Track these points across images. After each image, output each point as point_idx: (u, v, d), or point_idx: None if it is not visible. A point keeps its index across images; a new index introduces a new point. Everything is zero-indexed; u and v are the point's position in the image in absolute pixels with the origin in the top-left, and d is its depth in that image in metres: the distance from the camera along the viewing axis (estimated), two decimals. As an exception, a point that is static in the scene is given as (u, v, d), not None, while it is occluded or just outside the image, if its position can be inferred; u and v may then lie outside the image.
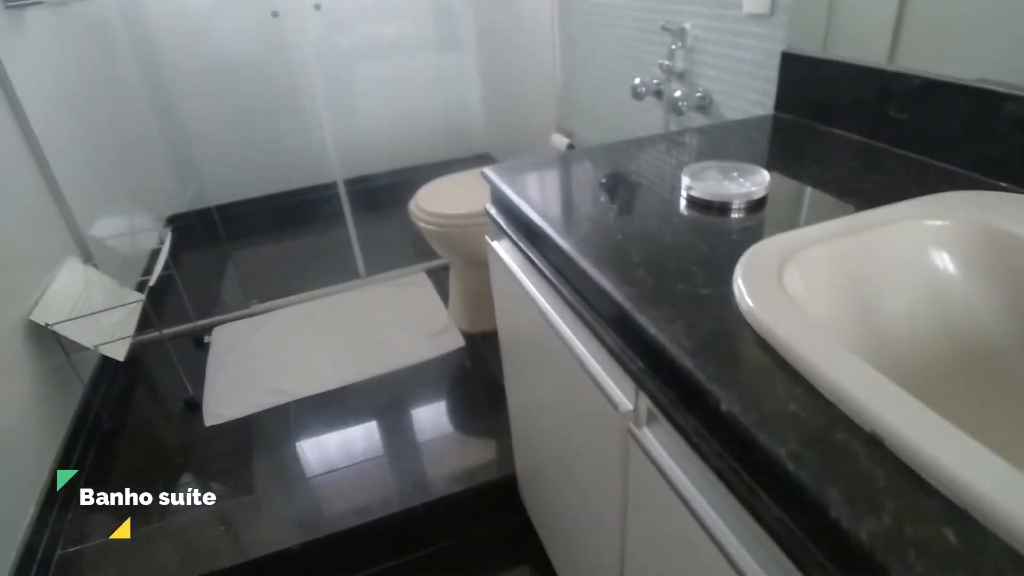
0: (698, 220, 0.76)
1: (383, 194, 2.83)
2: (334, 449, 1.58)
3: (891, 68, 0.89)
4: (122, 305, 1.64)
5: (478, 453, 1.52)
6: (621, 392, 0.67)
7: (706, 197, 0.78)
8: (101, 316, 1.61)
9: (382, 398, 1.74)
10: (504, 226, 0.95)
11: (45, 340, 1.52)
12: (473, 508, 1.43)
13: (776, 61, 1.11)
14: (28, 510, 1.33)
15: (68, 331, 1.52)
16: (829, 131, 1.00)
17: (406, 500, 1.39)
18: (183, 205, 2.78)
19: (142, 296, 1.64)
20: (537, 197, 0.88)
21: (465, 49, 2.96)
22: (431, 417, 1.66)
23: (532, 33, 2.21)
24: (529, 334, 0.98)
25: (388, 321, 2.04)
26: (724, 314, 0.56)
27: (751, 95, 1.22)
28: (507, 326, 1.14)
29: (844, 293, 0.61)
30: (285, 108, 2.70)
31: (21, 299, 1.50)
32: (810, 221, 0.69)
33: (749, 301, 0.55)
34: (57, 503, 1.41)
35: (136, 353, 1.95)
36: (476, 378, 1.80)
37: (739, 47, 1.22)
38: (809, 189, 0.82)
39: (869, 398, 0.43)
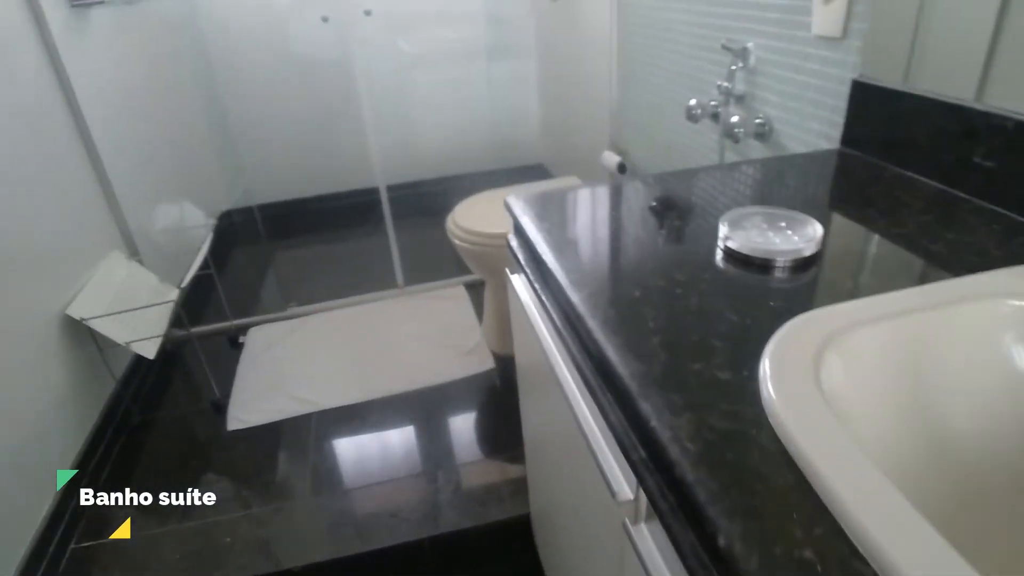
0: (733, 279, 0.66)
1: (429, 202, 2.80)
2: (347, 468, 1.54)
3: (979, 106, 0.76)
4: (152, 305, 1.65)
5: (494, 487, 1.44)
6: (623, 477, 0.58)
7: (745, 251, 0.67)
8: (136, 312, 1.62)
9: (403, 417, 1.69)
10: (522, 261, 0.88)
11: (80, 333, 1.54)
12: (483, 545, 1.35)
13: (846, 90, 0.99)
14: (47, 501, 1.34)
15: (102, 327, 1.54)
16: (902, 174, 0.88)
17: (413, 531, 1.33)
18: (229, 204, 2.83)
19: (173, 297, 1.64)
20: (555, 235, 0.79)
21: (522, 57, 2.89)
22: (450, 443, 1.60)
23: (591, 45, 2.12)
24: (538, 380, 0.90)
25: (420, 335, 2.00)
26: (743, 409, 0.46)
27: (815, 125, 1.09)
28: (522, 362, 1.07)
29: (898, 391, 0.50)
30: (332, 111, 2.71)
31: (61, 292, 1.53)
32: (865, 290, 0.58)
33: (774, 398, 0.45)
34: (74, 498, 1.42)
35: (173, 349, 1.97)
36: (502, 404, 1.72)
37: (805, 72, 1.10)
38: (870, 247, 0.70)
39: (912, 563, 0.33)
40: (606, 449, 0.61)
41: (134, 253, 1.88)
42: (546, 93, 2.90)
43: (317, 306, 2.19)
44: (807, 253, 0.66)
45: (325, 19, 2.25)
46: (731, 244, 0.69)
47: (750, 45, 1.25)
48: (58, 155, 1.62)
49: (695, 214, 0.83)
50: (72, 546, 1.35)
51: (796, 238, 0.68)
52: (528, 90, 2.96)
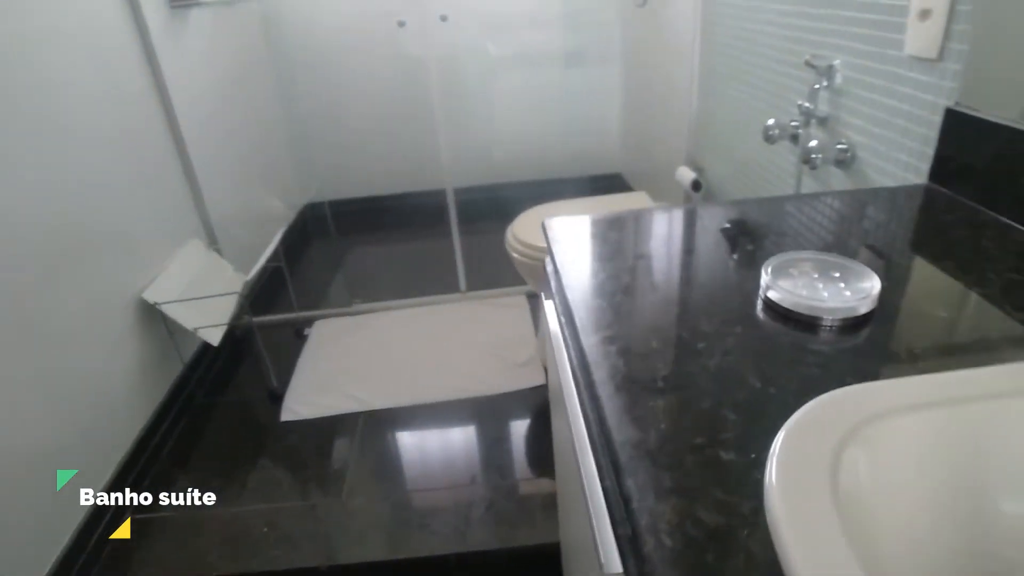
0: (767, 336, 0.58)
1: (499, 207, 2.79)
2: (386, 472, 1.55)
3: (1099, 151, 0.64)
4: (218, 295, 1.73)
5: (527, 509, 1.40)
6: (614, 546, 0.53)
7: (786, 304, 0.60)
8: (206, 300, 1.71)
9: (448, 426, 1.68)
10: (553, 288, 0.83)
11: (154, 317, 1.64)
12: (510, 569, 1.32)
13: (938, 119, 0.87)
14: (108, 471, 1.44)
15: (173, 312, 1.63)
16: (995, 220, 0.76)
17: (441, 544, 1.31)
18: (303, 199, 2.94)
19: (238, 289, 1.72)
20: (584, 267, 0.75)
21: (605, 63, 2.82)
22: (490, 457, 1.57)
23: (674, 53, 2.03)
24: (558, 412, 0.85)
25: (476, 343, 1.99)
26: (739, 502, 0.41)
27: (903, 156, 0.98)
28: (551, 386, 1.02)
29: (942, 498, 0.42)
30: (405, 113, 2.75)
31: (140, 276, 1.63)
32: (924, 364, 0.50)
33: (776, 494, 0.39)
34: (138, 467, 1.52)
35: (242, 336, 2.07)
36: (547, 423, 1.68)
37: (896, 95, 0.98)
38: (939, 309, 0.61)
39: None
40: (603, 512, 0.56)
41: (213, 243, 1.99)
42: (629, 101, 2.81)
43: (380, 304, 2.23)
44: (859, 312, 0.58)
45: (401, 24, 2.29)
46: (772, 295, 0.62)
47: (837, 63, 1.14)
48: (149, 148, 1.74)
49: (743, 254, 0.75)
50: (127, 518, 1.44)
51: (848, 293, 0.60)
52: (610, 97, 2.88)
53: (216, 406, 1.81)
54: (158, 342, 1.68)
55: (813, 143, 1.15)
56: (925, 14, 0.88)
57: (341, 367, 1.93)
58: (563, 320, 0.73)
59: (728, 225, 0.83)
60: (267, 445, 1.66)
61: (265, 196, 2.49)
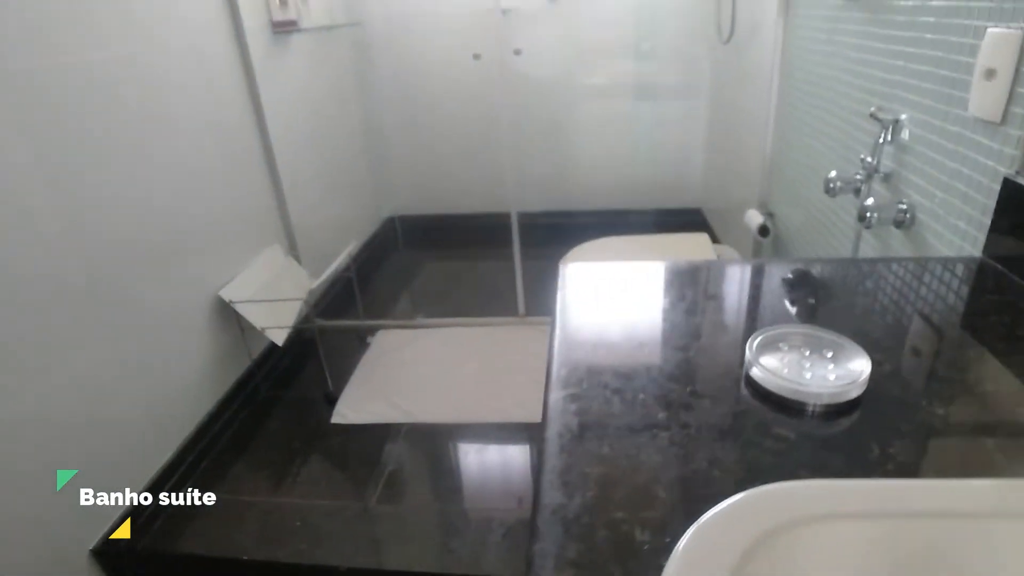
0: (737, 413, 0.56)
1: (569, 233, 2.80)
2: (416, 485, 1.59)
3: None
4: (285, 300, 1.86)
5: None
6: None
7: (765, 384, 0.58)
8: (276, 302, 1.84)
9: (485, 449, 1.71)
10: (548, 335, 0.84)
11: (228, 314, 1.79)
12: (520, 601, 1.31)
13: (998, 187, 0.80)
14: (167, 453, 1.58)
15: (244, 311, 1.77)
16: (1043, 309, 0.69)
17: (456, 564, 1.33)
18: (376, 213, 3.08)
19: (302, 296, 1.83)
20: (579, 318, 0.75)
21: (686, 97, 2.77)
22: (518, 487, 1.58)
23: (753, 93, 1.96)
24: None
25: (525, 368, 2.00)
26: (633, 589, 0.40)
27: (961, 224, 0.90)
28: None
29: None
30: (476, 137, 2.86)
31: (221, 275, 1.79)
32: (892, 466, 0.47)
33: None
34: (195, 452, 1.65)
35: (311, 338, 2.20)
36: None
37: (958, 158, 0.91)
38: (939, 404, 0.56)
39: None
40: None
41: (292, 249, 2.14)
42: (711, 137, 2.75)
43: (441, 320, 2.30)
44: (840, 399, 0.55)
45: (477, 56, 2.38)
46: (753, 372, 0.59)
47: (903, 117, 1.07)
48: (243, 158, 1.91)
49: (747, 321, 0.73)
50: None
51: (833, 377, 0.57)
52: (692, 131, 2.82)
53: (276, 402, 1.94)
54: (230, 337, 1.83)
55: (870, 201, 1.08)
56: (990, 73, 0.82)
57: (393, 377, 2.01)
58: (546, 370, 0.74)
59: (747, 285, 0.81)
60: (315, 444, 1.76)
61: (343, 209, 2.65)
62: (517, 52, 2.32)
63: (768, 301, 0.78)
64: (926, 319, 0.71)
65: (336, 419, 1.83)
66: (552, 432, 0.55)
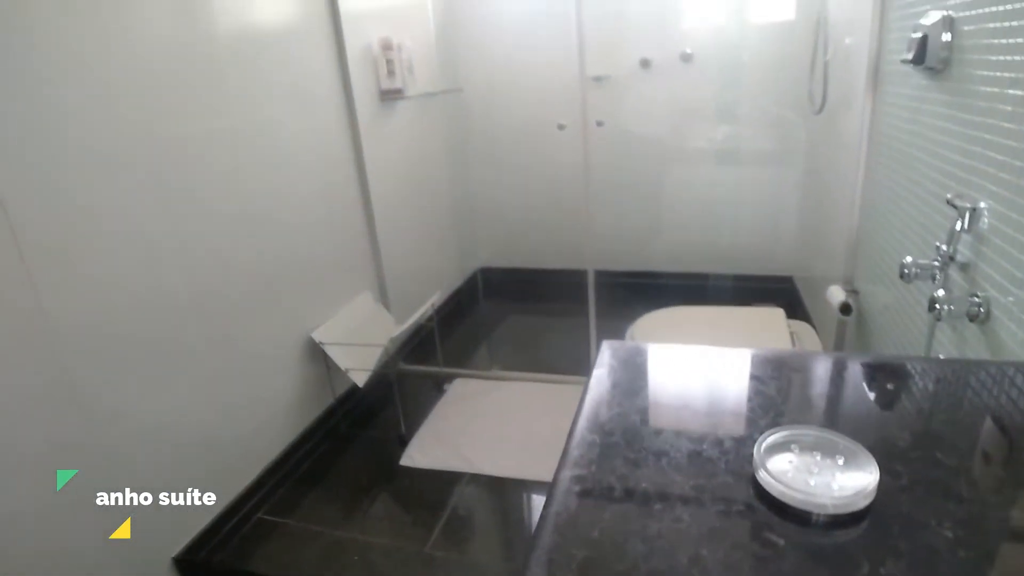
0: (733, 512, 0.58)
1: (653, 295, 2.80)
2: (468, 536, 1.63)
3: None
4: (370, 345, 1.99)
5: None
6: None
7: (768, 488, 0.58)
8: (361, 347, 1.99)
9: (535, 508, 1.72)
10: (576, 412, 0.88)
11: (317, 354, 1.95)
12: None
13: (1068, 295, 0.76)
14: (250, 477, 1.73)
15: (332, 352, 1.92)
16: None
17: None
18: (461, 266, 3.20)
19: (384, 343, 1.96)
20: (603, 397, 0.78)
21: (779, 164, 2.71)
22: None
23: (842, 165, 1.91)
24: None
25: (591, 426, 2.01)
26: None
27: (1035, 326, 0.85)
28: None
29: None
30: (560, 197, 2.95)
31: (316, 317, 1.96)
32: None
33: None
34: (275, 478, 1.80)
35: (393, 381, 2.33)
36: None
37: (1033, 256, 0.87)
38: (951, 527, 0.54)
39: None
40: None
41: (382, 295, 2.30)
42: (804, 205, 2.66)
43: (516, 374, 2.35)
44: (842, 510, 0.55)
45: (561, 127, 2.50)
46: (759, 474, 0.60)
47: (982, 205, 1.02)
48: (344, 212, 2.11)
49: (771, 416, 0.73)
50: (258, 516, 1.71)
51: (837, 486, 0.57)
52: (785, 199, 2.75)
53: (354, 439, 2.07)
54: (317, 375, 1.99)
55: (940, 292, 1.03)
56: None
57: (464, 426, 2.08)
58: (564, 447, 0.77)
59: (783, 379, 0.80)
60: (382, 483, 1.85)
61: (431, 260, 2.81)
62: (600, 124, 2.41)
63: (800, 396, 0.77)
64: (965, 431, 0.68)
65: (405, 461, 1.92)
66: (552, 508, 0.59)
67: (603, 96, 2.69)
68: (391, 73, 2.24)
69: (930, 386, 0.76)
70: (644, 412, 0.76)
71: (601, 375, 0.84)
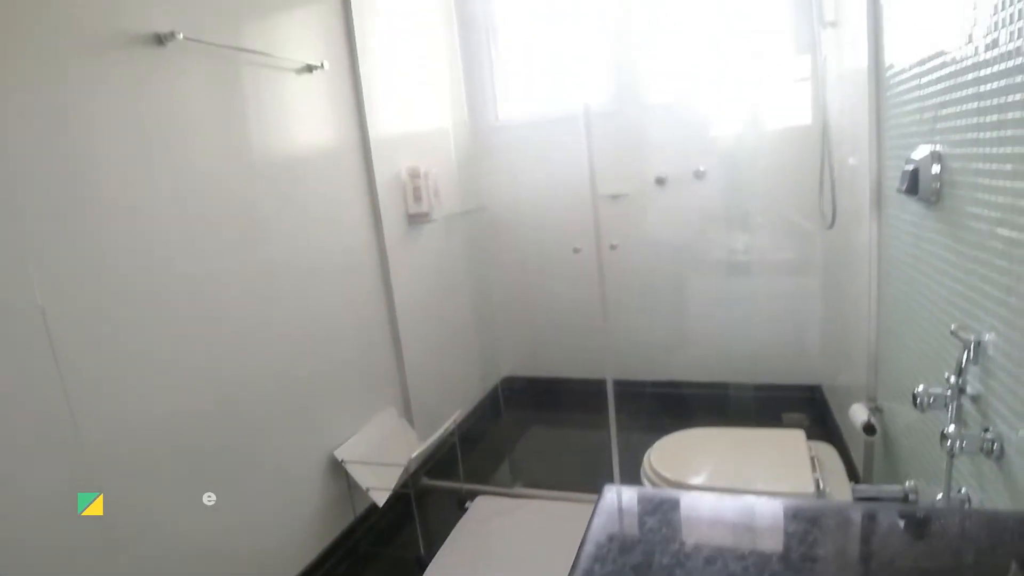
0: None
1: (678, 405, 2.77)
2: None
3: None
4: (390, 465, 2.00)
5: None
6: None
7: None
8: (382, 465, 2.00)
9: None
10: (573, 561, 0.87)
11: (338, 471, 1.97)
12: None
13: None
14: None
15: (353, 470, 1.94)
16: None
17: None
18: (488, 380, 3.23)
19: (404, 462, 1.97)
20: (598, 551, 0.78)
21: (800, 275, 2.73)
22: None
23: (858, 282, 1.92)
24: None
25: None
26: None
27: (1048, 469, 0.83)
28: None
29: None
30: (578, 312, 3.02)
31: (339, 434, 2.00)
32: None
33: None
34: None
35: (416, 497, 2.31)
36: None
37: (1037, 395, 0.86)
38: None
39: None
40: None
41: (406, 411, 2.33)
42: (826, 314, 2.66)
43: (538, 492, 2.31)
44: None
45: (577, 250, 2.62)
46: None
47: (988, 337, 1.03)
48: (371, 330, 2.19)
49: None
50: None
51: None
52: (803, 309, 2.74)
53: (374, 558, 2.03)
54: (338, 492, 1.99)
55: (951, 428, 1.02)
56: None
57: (485, 549, 2.02)
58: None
59: (790, 535, 0.79)
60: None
61: (455, 374, 2.85)
62: (613, 247, 2.51)
63: (806, 555, 0.76)
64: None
65: (423, 587, 1.86)
66: None
67: (620, 213, 2.81)
68: (418, 199, 2.40)
69: (939, 538, 0.74)
70: (641, 570, 0.75)
71: (600, 525, 0.84)
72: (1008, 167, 0.94)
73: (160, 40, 1.43)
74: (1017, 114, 0.91)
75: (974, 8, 1.03)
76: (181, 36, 1.45)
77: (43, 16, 1.21)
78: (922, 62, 1.32)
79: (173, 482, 1.44)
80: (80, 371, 1.25)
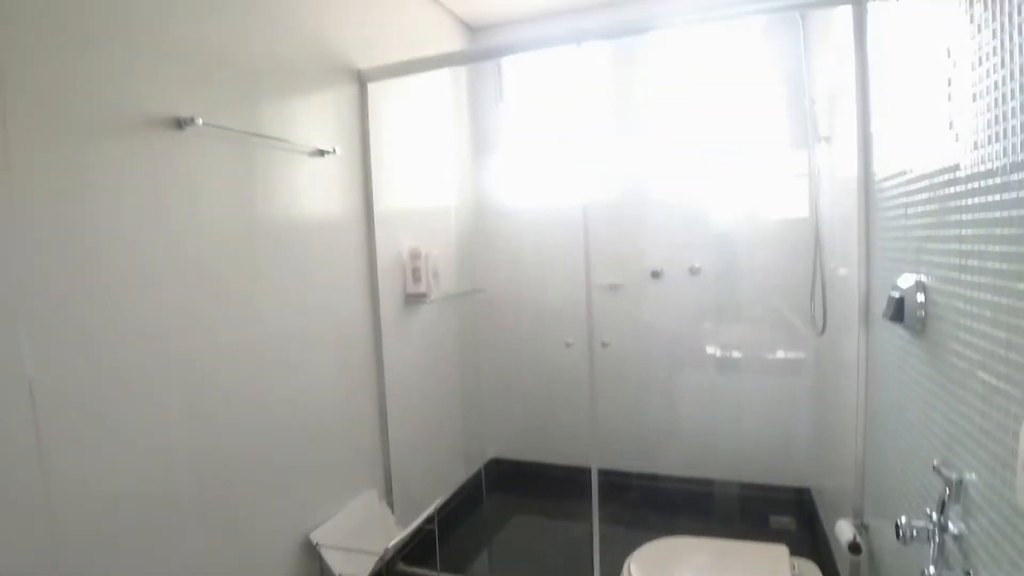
0: None
1: (662, 500, 2.72)
2: None
3: None
4: (364, 552, 1.94)
5: None
6: None
7: None
8: (358, 552, 1.94)
9: None
10: None
11: (313, 555, 1.91)
12: None
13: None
14: None
15: (328, 555, 1.88)
16: None
17: None
18: (472, 464, 3.17)
19: (379, 552, 1.91)
20: None
21: (792, 374, 2.75)
22: None
23: (845, 392, 1.94)
24: None
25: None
26: None
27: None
28: None
29: None
30: (566, 402, 3.05)
31: (316, 515, 1.95)
32: None
33: None
34: None
35: (387, 584, 2.23)
36: None
37: (1018, 546, 0.86)
38: None
39: None
40: None
41: (387, 494, 2.29)
42: (816, 418, 2.65)
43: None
44: None
45: (568, 345, 2.66)
46: None
47: (969, 477, 1.03)
48: (359, 409, 2.18)
49: None
50: None
51: None
52: (792, 410, 2.74)
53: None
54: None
55: (931, 569, 1.01)
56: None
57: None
58: None
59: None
60: None
61: (438, 457, 2.80)
62: (605, 345, 2.55)
63: None
64: None
65: None
66: None
67: (615, 304, 2.85)
68: (417, 279, 2.44)
69: None
70: None
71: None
72: (988, 313, 0.96)
73: (180, 124, 1.50)
74: (998, 264, 0.93)
75: (956, 140, 1.08)
76: (200, 121, 1.52)
77: (72, 96, 1.28)
78: (908, 193, 1.37)
79: (139, 564, 1.40)
80: (60, 443, 1.24)
